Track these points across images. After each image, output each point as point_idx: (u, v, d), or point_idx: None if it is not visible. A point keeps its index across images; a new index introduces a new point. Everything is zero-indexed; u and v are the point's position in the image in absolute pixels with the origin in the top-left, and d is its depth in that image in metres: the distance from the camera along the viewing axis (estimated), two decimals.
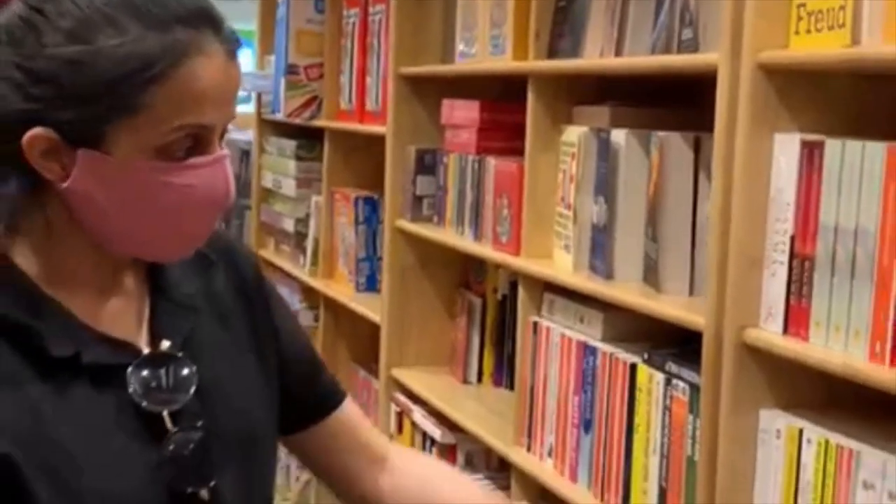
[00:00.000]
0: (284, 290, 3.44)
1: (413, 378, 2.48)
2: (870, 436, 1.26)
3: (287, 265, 3.33)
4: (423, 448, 2.40)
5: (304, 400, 1.23)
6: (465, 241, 2.23)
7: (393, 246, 2.54)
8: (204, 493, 1.05)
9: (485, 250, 2.14)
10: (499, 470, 2.21)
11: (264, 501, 1.16)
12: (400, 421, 2.51)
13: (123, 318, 1.07)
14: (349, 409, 1.29)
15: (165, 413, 1.04)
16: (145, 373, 1.03)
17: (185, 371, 1.06)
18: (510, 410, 2.02)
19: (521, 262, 1.98)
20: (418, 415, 2.40)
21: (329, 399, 1.27)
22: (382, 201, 2.64)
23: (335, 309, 3.02)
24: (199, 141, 1.00)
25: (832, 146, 1.28)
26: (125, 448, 1.02)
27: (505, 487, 2.07)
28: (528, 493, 1.97)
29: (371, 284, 2.83)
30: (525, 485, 1.97)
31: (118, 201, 1.00)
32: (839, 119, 1.36)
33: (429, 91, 2.45)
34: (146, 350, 1.05)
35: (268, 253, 3.53)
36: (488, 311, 2.40)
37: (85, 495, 0.98)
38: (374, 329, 2.64)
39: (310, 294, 3.24)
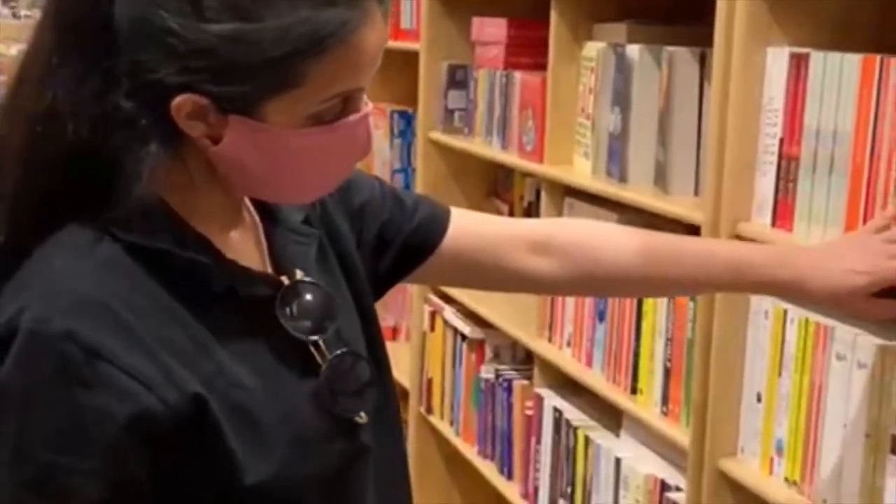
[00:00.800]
0: None
1: None
2: (844, 315, 1.43)
3: None
4: (454, 343, 2.59)
5: (410, 244, 1.21)
6: (493, 151, 2.40)
7: (426, 157, 2.71)
8: (362, 416, 1.04)
9: (511, 158, 2.30)
10: (523, 362, 2.40)
11: (397, 412, 1.16)
12: (433, 320, 2.70)
13: (248, 250, 1.05)
14: (461, 222, 1.25)
15: (320, 341, 1.02)
16: (293, 302, 1.01)
17: (327, 298, 1.04)
18: (534, 306, 2.20)
19: (545, 169, 2.14)
20: (449, 313, 2.59)
21: (432, 226, 1.23)
22: (416, 115, 2.80)
23: None
24: (348, 101, 0.98)
25: (816, 58, 1.43)
26: (289, 379, 1.01)
27: (529, 377, 2.27)
28: (549, 379, 2.16)
29: None
30: (546, 373, 2.17)
31: (267, 164, 0.98)
32: (827, 32, 1.50)
33: (460, 9, 2.59)
34: (286, 281, 1.03)
35: None
36: (515, 217, 2.56)
37: (265, 429, 0.96)
38: None
39: None
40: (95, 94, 0.93)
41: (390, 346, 3.36)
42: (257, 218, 1.08)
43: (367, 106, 1.00)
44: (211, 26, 0.90)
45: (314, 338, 1.01)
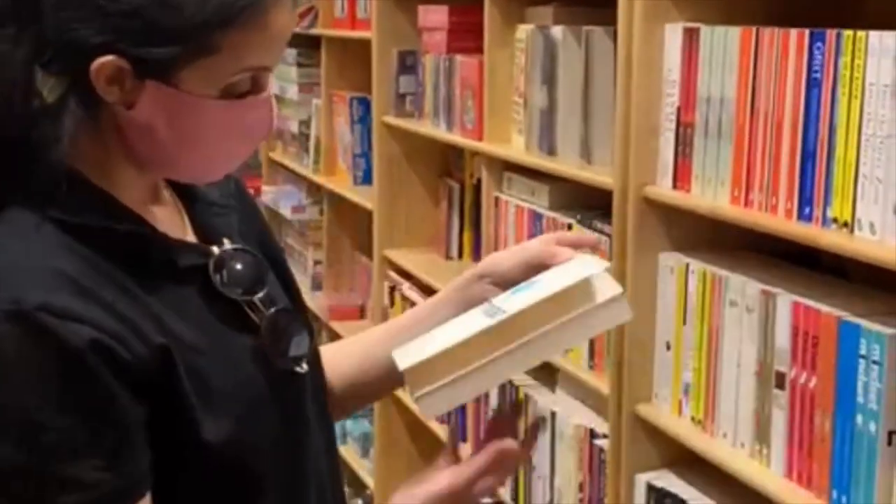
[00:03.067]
0: (292, 189, 3.76)
1: (402, 257, 2.80)
2: (735, 265, 1.57)
3: (294, 164, 3.64)
4: None
5: None
6: (440, 132, 2.53)
7: (381, 140, 2.84)
8: (303, 366, 1.12)
9: (455, 138, 2.44)
10: None
11: (323, 368, 1.23)
12: (392, 295, 2.84)
13: (174, 223, 1.11)
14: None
15: (255, 300, 1.09)
16: (224, 269, 1.08)
17: (256, 262, 1.11)
18: None
19: (484, 146, 2.28)
20: (406, 288, 2.73)
21: None
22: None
23: (337, 202, 3.33)
24: (256, 80, 1.04)
25: (705, 32, 1.57)
26: (232, 339, 1.07)
27: None
28: None
29: (367, 177, 3.12)
30: None
31: (178, 133, 1.02)
32: (721, 8, 1.63)
33: None
34: (216, 249, 1.09)
35: (277, 154, 3.84)
36: (466, 195, 2.70)
37: (218, 390, 1.03)
38: (371, 218, 2.95)
39: (314, 190, 3.55)
40: (25, 59, 0.98)
41: (359, 326, 3.50)
42: (176, 196, 1.14)
43: (272, 87, 1.08)
44: None
45: (249, 298, 1.09)
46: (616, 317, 1.15)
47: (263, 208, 4.07)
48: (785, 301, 1.43)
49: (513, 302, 1.16)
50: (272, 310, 1.11)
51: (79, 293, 0.98)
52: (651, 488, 1.69)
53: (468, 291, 1.26)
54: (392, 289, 2.84)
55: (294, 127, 3.65)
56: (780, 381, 1.44)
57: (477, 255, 2.67)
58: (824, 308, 1.38)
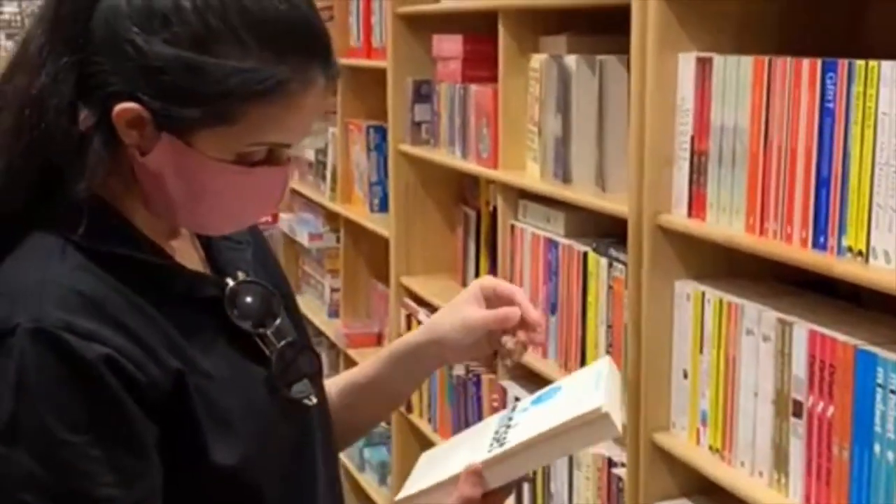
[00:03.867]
0: (309, 216, 3.78)
1: (419, 284, 2.81)
2: (751, 293, 1.57)
3: (310, 193, 3.66)
4: None
5: None
6: (455, 159, 2.54)
7: (397, 168, 2.85)
8: (312, 399, 1.14)
9: (470, 166, 2.45)
10: (489, 358, 2.53)
11: (324, 398, 1.23)
12: (409, 322, 2.84)
13: (189, 256, 1.13)
14: None
15: (267, 333, 1.11)
16: (237, 301, 1.10)
17: (268, 295, 1.13)
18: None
19: (499, 174, 2.28)
20: (423, 315, 2.73)
21: None
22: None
23: (354, 230, 3.34)
24: (273, 152, 1.05)
25: (718, 61, 1.57)
26: (245, 369, 1.09)
27: (494, 371, 2.41)
28: (511, 372, 2.30)
29: (384, 205, 3.14)
30: (511, 366, 2.30)
31: (186, 189, 1.04)
32: (732, 37, 1.64)
33: (422, 28, 2.74)
34: (230, 282, 1.11)
35: (294, 182, 3.85)
36: (482, 222, 2.70)
37: (230, 417, 1.05)
38: (387, 244, 2.96)
39: (331, 218, 3.57)
40: (72, 91, 1.02)
41: (375, 352, 3.49)
42: (189, 231, 1.15)
43: (289, 163, 1.08)
44: (168, 48, 0.99)
45: (262, 330, 1.11)
46: (604, 433, 1.11)
47: (281, 236, 4.09)
48: (801, 329, 1.43)
49: (523, 426, 1.16)
50: (281, 343, 1.13)
51: (100, 316, 1.00)
52: None
53: (414, 358, 1.27)
54: (409, 316, 2.85)
55: (311, 155, 3.67)
56: (798, 409, 1.44)
57: None
58: (841, 337, 1.38)
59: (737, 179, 1.54)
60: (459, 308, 1.26)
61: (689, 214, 1.64)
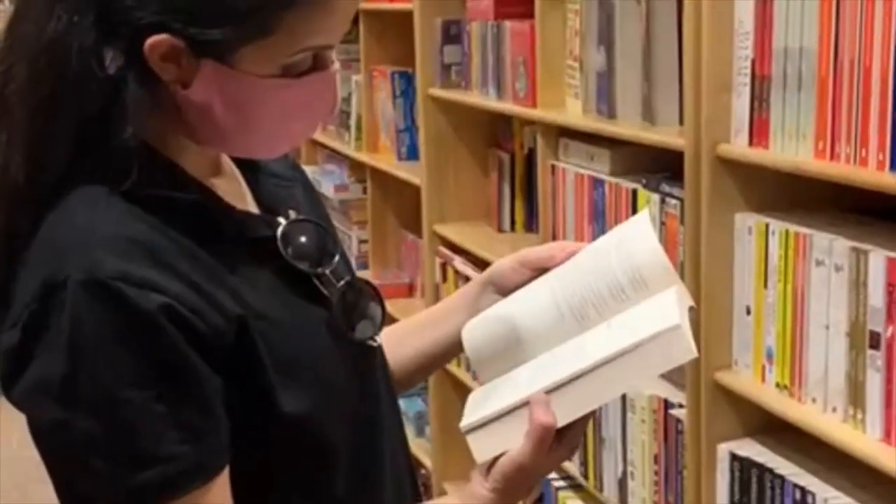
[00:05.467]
0: (334, 168, 3.71)
1: (453, 232, 2.75)
2: (819, 223, 1.50)
3: (335, 143, 3.59)
4: None
5: None
6: (489, 101, 2.47)
7: (427, 113, 2.78)
8: (376, 339, 1.09)
9: (506, 106, 2.37)
10: None
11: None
12: (444, 270, 2.78)
13: (236, 195, 1.07)
14: None
15: (327, 272, 1.05)
16: (292, 240, 1.05)
17: (323, 233, 1.08)
18: None
19: (538, 113, 2.21)
20: (459, 262, 2.67)
21: None
22: (416, 73, 2.87)
23: (381, 179, 3.27)
24: (318, 58, 1.00)
25: None
26: (306, 312, 1.04)
27: None
28: None
29: (412, 153, 3.07)
30: None
31: (236, 113, 0.99)
32: None
33: None
34: (282, 221, 1.06)
35: (316, 133, 3.79)
36: (517, 165, 2.64)
37: (293, 361, 1.00)
38: (417, 194, 2.90)
39: (357, 168, 3.50)
40: (96, 34, 0.96)
41: (409, 303, 3.45)
42: (235, 167, 1.10)
43: (335, 65, 1.02)
44: None
45: (319, 270, 1.05)
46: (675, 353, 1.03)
47: None
48: (878, 257, 1.37)
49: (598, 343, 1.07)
50: (340, 283, 1.07)
51: (154, 263, 0.94)
52: (735, 458, 1.63)
53: (477, 303, 1.20)
54: (444, 265, 2.79)
55: None
56: (875, 341, 1.38)
57: (531, 226, 2.61)
58: None
59: (803, 103, 1.47)
60: (515, 255, 1.20)
61: (751, 143, 1.57)
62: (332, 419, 1.03)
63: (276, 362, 0.99)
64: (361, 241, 3.54)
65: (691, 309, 1.11)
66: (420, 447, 3.14)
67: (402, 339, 1.26)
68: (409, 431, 3.23)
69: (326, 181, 3.65)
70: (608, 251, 1.12)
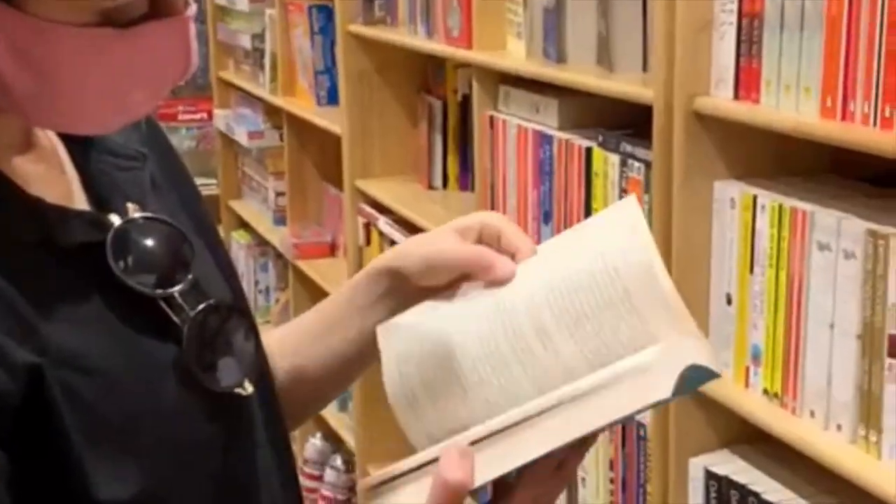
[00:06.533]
0: (248, 112, 3.37)
1: (378, 188, 2.44)
2: (822, 197, 1.22)
3: (248, 85, 3.25)
4: None
5: None
6: (417, 40, 2.15)
7: (347, 53, 2.45)
8: (246, 386, 0.78)
9: (437, 46, 2.06)
10: None
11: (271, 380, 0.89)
12: (368, 232, 2.48)
13: (53, 182, 0.78)
14: None
15: (175, 294, 0.76)
16: (130, 248, 0.76)
17: (175, 237, 0.79)
18: (472, 209, 1.98)
19: (474, 55, 1.90)
20: (384, 224, 2.37)
21: None
22: (335, 7, 2.54)
23: (299, 126, 2.95)
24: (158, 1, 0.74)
25: None
26: (144, 352, 0.75)
27: None
28: None
29: (332, 97, 2.75)
30: None
31: (33, 73, 0.71)
32: None
33: None
34: (116, 219, 0.77)
35: (228, 74, 3.44)
36: (449, 113, 2.33)
37: (116, 427, 0.72)
38: (338, 143, 2.58)
39: (272, 113, 3.17)
40: None
41: (330, 264, 3.15)
42: (56, 139, 0.80)
43: (190, 7, 0.74)
44: None
45: (168, 291, 0.75)
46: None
47: (217, 135, 3.68)
48: None
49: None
50: (200, 307, 0.76)
51: None
52: (711, 476, 1.35)
53: (377, 303, 0.90)
54: (367, 225, 2.48)
55: (246, 42, 3.24)
56: None
57: (465, 183, 2.32)
58: None
59: (807, 48, 1.18)
60: (436, 238, 0.88)
61: (736, 96, 1.28)
62: (179, 499, 0.73)
63: (89, 429, 0.70)
64: (279, 194, 3.23)
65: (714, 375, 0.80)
66: (342, 423, 2.85)
67: (297, 347, 0.95)
68: (331, 405, 2.94)
69: (239, 127, 3.31)
70: (591, 273, 0.79)
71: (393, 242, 2.35)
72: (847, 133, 1.13)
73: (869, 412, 1.15)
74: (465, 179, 2.32)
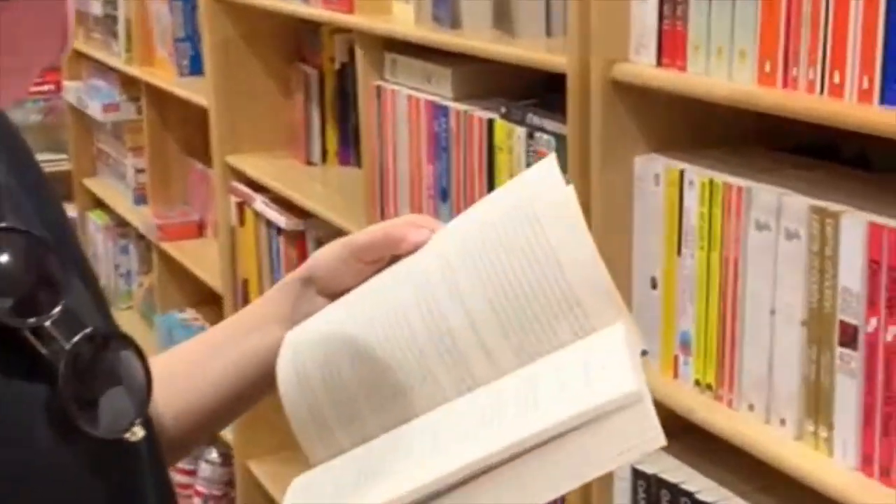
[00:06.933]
0: (101, 83, 3.14)
1: (250, 164, 2.27)
2: (755, 171, 1.13)
3: (101, 54, 3.02)
4: (269, 238, 2.22)
5: None
6: (291, 4, 1.98)
7: (211, 19, 2.27)
8: (135, 430, 0.63)
9: (314, 10, 1.90)
10: None
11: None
12: (241, 212, 2.31)
13: None
14: None
15: (46, 324, 0.60)
16: None
17: (37, 253, 0.63)
18: (360, 188, 1.84)
19: (356, 20, 1.75)
20: (260, 203, 2.21)
21: None
22: None
23: (159, 98, 2.75)
24: None
25: None
26: (5, 394, 0.59)
27: None
28: None
29: (195, 67, 2.56)
30: None
31: None
32: None
33: None
34: None
35: (79, 43, 3.19)
36: (326, 83, 2.18)
37: None
38: (204, 116, 2.40)
39: (129, 84, 2.95)
40: None
41: (198, 245, 2.96)
42: None
43: None
44: None
45: (31, 321, 0.59)
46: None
47: (67, 109, 3.43)
48: (855, 223, 1.00)
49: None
50: (76, 338, 0.60)
51: None
52: (639, 475, 1.25)
53: (296, 310, 0.81)
54: (241, 205, 2.31)
55: (96, 8, 3.01)
56: (849, 336, 1.01)
57: (346, 157, 2.17)
58: None
59: (741, 8, 1.07)
60: (343, 240, 0.81)
61: (660, 62, 1.17)
62: None
63: None
64: (138, 171, 3.02)
65: (643, 353, 0.71)
66: None
67: (190, 368, 0.83)
68: None
69: (92, 100, 3.08)
70: (509, 238, 0.71)
71: (269, 222, 2.19)
72: (790, 101, 1.03)
73: (818, 406, 1.06)
74: (346, 154, 2.18)
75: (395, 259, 0.77)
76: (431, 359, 0.71)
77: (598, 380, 0.65)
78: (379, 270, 0.78)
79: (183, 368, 0.85)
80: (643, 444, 0.62)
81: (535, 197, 0.72)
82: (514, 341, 0.70)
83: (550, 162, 0.74)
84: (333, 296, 0.79)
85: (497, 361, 0.70)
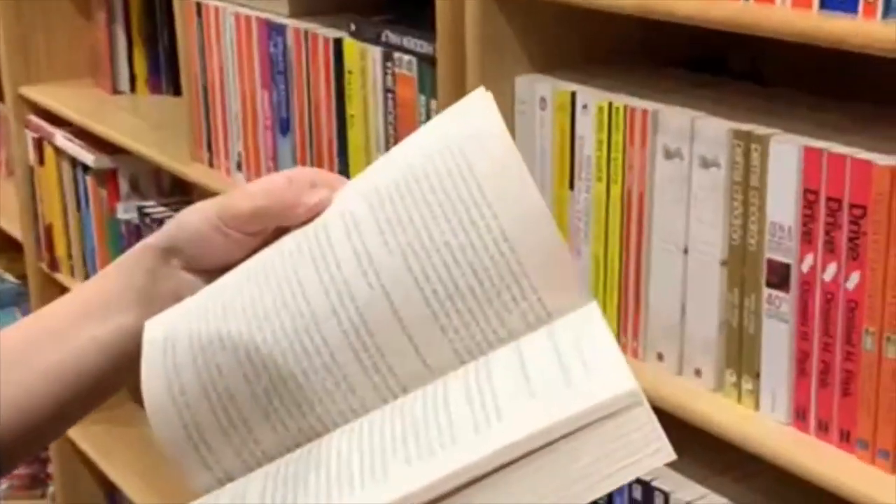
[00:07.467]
0: None
1: (49, 95, 2.02)
2: (655, 92, 0.99)
3: None
4: (75, 178, 1.98)
5: None
6: None
7: None
8: None
9: None
10: (173, 193, 1.85)
11: None
12: (40, 149, 2.05)
13: None
14: None
15: None
16: None
17: None
18: (181, 118, 1.63)
19: None
20: (62, 138, 1.96)
21: None
22: None
23: None
24: None
25: None
26: None
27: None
28: None
29: None
30: None
31: None
32: None
33: None
34: None
35: None
36: (132, 1, 1.94)
37: None
38: None
39: None
40: None
41: None
42: None
43: None
44: None
45: None
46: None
47: None
48: (786, 147, 0.88)
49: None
50: None
51: None
52: None
53: (153, 288, 0.63)
54: (39, 141, 2.05)
55: None
56: (779, 276, 0.90)
57: (157, 84, 1.95)
58: (865, 154, 0.84)
59: None
60: (213, 202, 0.63)
61: None
62: None
63: None
64: None
65: None
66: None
67: (13, 357, 0.64)
68: None
69: None
70: (434, 194, 0.56)
71: (74, 160, 1.95)
72: (714, 10, 0.89)
73: (740, 354, 0.94)
74: (158, 80, 1.96)
75: (287, 228, 0.60)
76: (343, 357, 0.54)
77: (582, 377, 0.50)
78: (268, 240, 0.60)
79: (4, 357, 0.66)
80: (648, 457, 0.47)
81: (466, 140, 0.56)
82: (449, 333, 0.54)
83: (483, 95, 0.58)
84: (204, 272, 0.61)
85: (429, 359, 0.54)
